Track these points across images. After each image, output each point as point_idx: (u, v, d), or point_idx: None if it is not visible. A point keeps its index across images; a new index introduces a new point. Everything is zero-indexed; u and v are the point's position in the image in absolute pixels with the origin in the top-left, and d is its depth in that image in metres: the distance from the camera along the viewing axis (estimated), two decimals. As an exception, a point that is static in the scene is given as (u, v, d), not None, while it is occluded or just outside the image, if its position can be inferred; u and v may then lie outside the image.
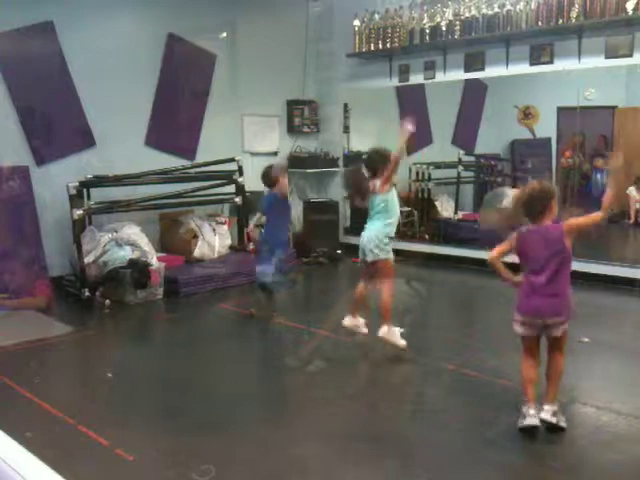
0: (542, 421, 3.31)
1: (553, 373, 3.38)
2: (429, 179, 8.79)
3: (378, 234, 4.52)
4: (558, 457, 3.17)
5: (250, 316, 5.58)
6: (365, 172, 4.67)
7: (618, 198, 8.24)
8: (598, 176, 8.33)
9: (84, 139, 6.68)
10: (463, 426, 3.49)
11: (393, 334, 4.54)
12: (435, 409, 3.74)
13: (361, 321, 4.80)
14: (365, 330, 4.78)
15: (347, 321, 4.81)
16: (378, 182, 4.54)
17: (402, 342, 4.54)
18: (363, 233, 4.63)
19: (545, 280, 3.26)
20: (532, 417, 3.30)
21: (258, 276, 5.52)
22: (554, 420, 3.30)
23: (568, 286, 3.33)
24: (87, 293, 5.90)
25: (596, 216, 3.28)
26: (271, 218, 5.51)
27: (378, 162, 4.57)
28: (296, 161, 8.50)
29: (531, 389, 3.38)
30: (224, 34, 7.91)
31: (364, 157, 4.94)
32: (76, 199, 6.08)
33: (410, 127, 4.55)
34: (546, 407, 3.32)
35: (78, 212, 6.01)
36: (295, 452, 3.23)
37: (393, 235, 4.63)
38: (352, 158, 8.66)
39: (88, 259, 6.03)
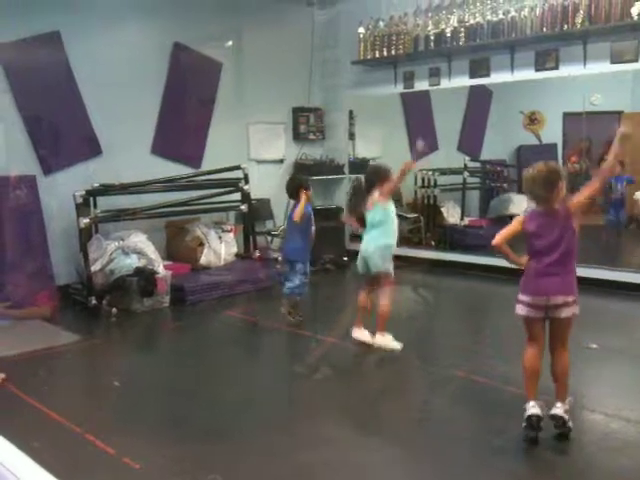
0: (553, 417, 3.27)
1: (560, 371, 3.34)
2: (435, 185, 8.79)
3: (382, 246, 4.58)
4: (567, 464, 3.16)
5: (254, 324, 5.56)
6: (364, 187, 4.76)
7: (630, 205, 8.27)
8: (618, 185, 8.17)
9: (91, 148, 6.70)
10: (471, 434, 3.47)
11: (387, 340, 4.63)
12: (443, 416, 3.72)
13: (366, 332, 4.80)
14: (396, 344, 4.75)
15: (356, 333, 4.81)
16: (376, 193, 4.58)
17: (397, 345, 4.62)
18: (364, 246, 4.66)
19: (554, 260, 3.25)
20: (533, 407, 3.27)
21: (285, 290, 5.53)
22: (566, 416, 3.27)
23: (575, 266, 3.32)
24: (94, 301, 5.91)
25: (594, 184, 3.30)
26: (293, 230, 5.45)
27: (376, 179, 4.67)
28: (302, 168, 8.52)
29: (533, 384, 3.34)
30: (230, 42, 7.93)
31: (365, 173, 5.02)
32: (83, 208, 6.11)
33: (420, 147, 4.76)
34: (558, 404, 3.30)
35: (85, 220, 6.03)
36: (301, 459, 3.21)
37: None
38: (357, 165, 8.69)
39: (95, 267, 6.04)
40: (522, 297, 3.35)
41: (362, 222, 4.77)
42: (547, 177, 3.26)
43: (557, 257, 3.25)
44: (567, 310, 3.27)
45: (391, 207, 4.68)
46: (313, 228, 5.46)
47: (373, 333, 4.77)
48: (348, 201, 5.14)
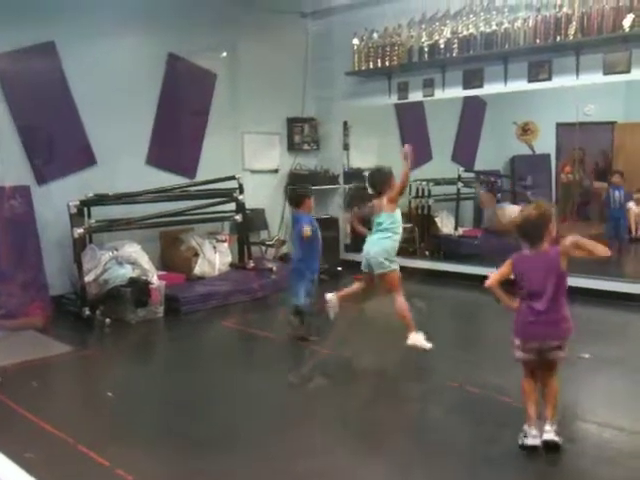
0: (545, 443, 3.28)
1: (549, 394, 3.36)
2: (429, 195, 8.81)
3: (386, 247, 4.62)
4: (560, 475, 3.16)
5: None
6: (369, 190, 4.72)
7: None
8: (616, 193, 8.20)
9: (85, 158, 6.71)
10: (465, 444, 3.47)
11: (418, 339, 4.66)
12: (437, 426, 3.72)
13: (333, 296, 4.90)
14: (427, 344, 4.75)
15: (330, 296, 4.94)
16: (384, 200, 4.58)
17: (428, 345, 4.67)
18: (367, 247, 4.68)
19: (545, 305, 3.24)
20: (534, 437, 3.29)
21: (292, 300, 5.39)
22: (557, 439, 3.28)
23: (566, 307, 3.31)
24: (87, 312, 5.89)
25: (602, 251, 3.17)
26: (301, 240, 5.34)
27: (382, 181, 4.66)
28: (297, 178, 8.53)
29: (533, 409, 3.36)
30: (224, 53, 7.96)
31: (366, 175, 4.97)
32: (77, 218, 6.10)
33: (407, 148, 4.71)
34: (547, 427, 3.30)
35: (79, 231, 6.03)
36: (298, 469, 3.21)
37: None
38: (351, 175, 8.71)
39: (88, 278, 6.03)
40: (516, 341, 3.37)
41: (364, 225, 4.79)
42: (537, 220, 3.26)
43: (547, 300, 3.25)
44: (560, 352, 3.30)
45: (398, 214, 4.69)
46: (320, 237, 5.41)
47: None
48: (348, 204, 5.14)
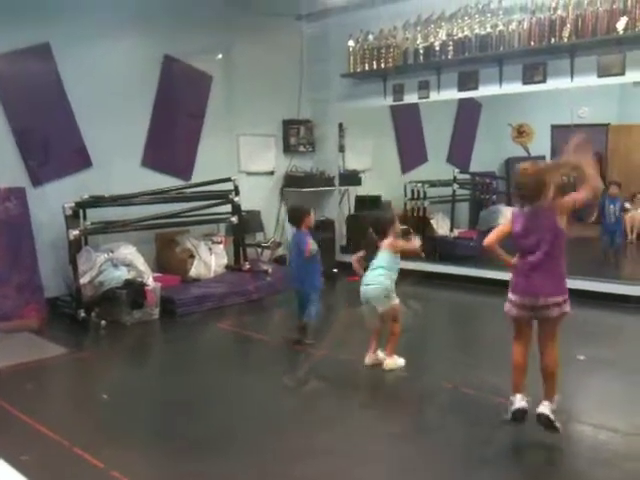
0: (539, 417, 3.27)
1: (549, 368, 3.33)
2: (424, 197, 8.83)
3: (386, 286, 4.59)
4: (556, 476, 3.16)
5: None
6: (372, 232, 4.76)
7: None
8: (611, 206, 7.97)
9: (80, 160, 6.70)
10: (461, 445, 3.48)
11: (397, 360, 4.68)
12: (433, 427, 3.73)
13: (381, 355, 4.78)
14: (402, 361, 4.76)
15: (368, 359, 4.77)
16: (388, 241, 4.64)
17: (401, 360, 4.67)
18: (366, 287, 4.63)
19: (540, 260, 3.25)
20: (519, 401, 3.30)
21: (304, 319, 5.33)
22: (552, 416, 3.26)
23: (564, 265, 3.31)
24: (83, 314, 5.88)
25: (585, 188, 3.26)
26: (300, 258, 5.30)
27: (385, 225, 4.72)
28: (292, 180, 8.54)
29: (519, 377, 3.37)
30: (220, 55, 7.97)
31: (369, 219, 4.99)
32: (72, 219, 6.08)
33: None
34: (545, 402, 3.29)
35: (74, 232, 6.01)
36: (294, 472, 3.21)
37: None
38: (347, 177, 8.72)
39: (84, 279, 6.02)
40: (511, 296, 3.37)
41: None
42: (534, 176, 3.28)
43: (542, 256, 3.25)
44: (557, 309, 3.27)
45: (398, 257, 4.72)
46: (319, 255, 5.40)
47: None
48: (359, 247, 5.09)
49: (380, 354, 4.75)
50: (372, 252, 4.69)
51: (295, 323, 5.40)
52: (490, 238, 3.43)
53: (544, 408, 3.29)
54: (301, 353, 5.09)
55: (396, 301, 4.66)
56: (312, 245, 5.23)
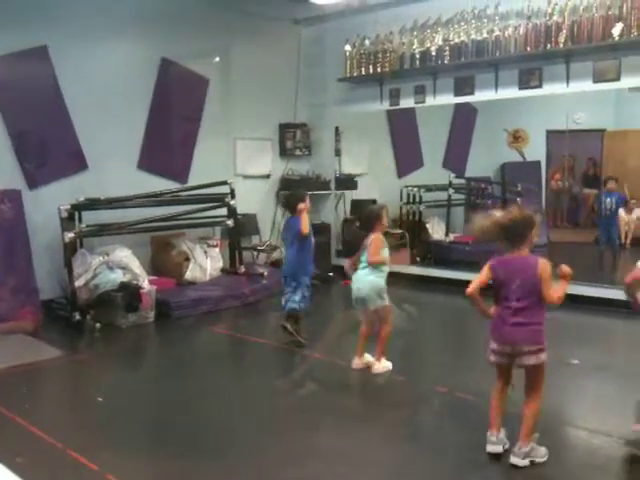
0: (512, 466, 3.23)
1: (527, 414, 3.28)
2: (420, 202, 8.85)
3: (378, 284, 4.59)
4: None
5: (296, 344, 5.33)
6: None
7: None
8: (607, 200, 8.21)
9: (77, 162, 6.70)
10: (454, 449, 3.48)
11: (384, 363, 4.66)
12: (426, 432, 3.73)
13: (369, 359, 4.77)
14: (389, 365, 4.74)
15: (356, 363, 4.77)
16: (372, 237, 4.61)
17: (388, 363, 4.66)
18: (358, 284, 4.64)
19: (519, 308, 3.22)
20: (493, 444, 3.30)
21: (287, 305, 5.30)
22: (521, 463, 3.21)
23: (543, 315, 3.27)
24: (78, 316, 5.87)
25: (557, 296, 3.20)
26: (295, 243, 5.29)
27: (371, 219, 4.70)
28: (288, 184, 8.56)
29: (496, 417, 3.35)
30: (217, 58, 7.98)
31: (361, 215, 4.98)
32: (67, 222, 6.08)
33: None
34: (516, 449, 3.24)
35: (69, 235, 6.01)
36: (288, 476, 3.21)
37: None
38: (343, 181, 8.74)
39: (79, 282, 6.01)
40: (491, 344, 3.34)
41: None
42: (522, 222, 3.26)
43: (523, 305, 3.23)
44: (532, 358, 3.23)
45: (385, 252, 4.68)
46: (313, 240, 5.39)
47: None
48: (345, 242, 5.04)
49: (368, 357, 4.75)
50: (358, 246, 4.68)
51: (284, 315, 5.36)
52: (472, 287, 3.36)
53: (516, 459, 3.23)
54: (296, 356, 5.09)
55: (387, 302, 4.64)
56: (305, 227, 5.15)
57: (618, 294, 6.21)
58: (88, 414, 4.12)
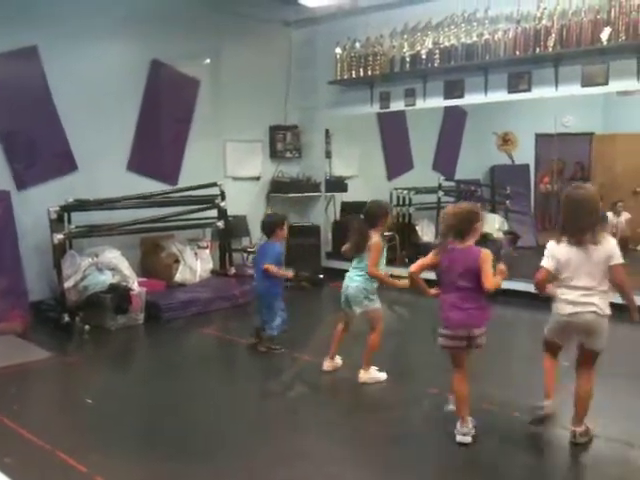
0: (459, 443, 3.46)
1: (460, 391, 3.56)
2: (410, 204, 8.88)
3: (367, 286, 4.48)
4: (539, 480, 3.19)
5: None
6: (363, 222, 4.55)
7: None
8: None
9: (66, 163, 6.67)
10: (444, 449, 3.50)
11: (373, 373, 4.56)
12: (417, 433, 3.74)
13: (339, 361, 4.81)
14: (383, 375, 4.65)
15: (326, 365, 4.76)
16: (374, 238, 4.46)
17: (383, 375, 4.57)
18: (347, 283, 4.56)
19: (464, 296, 3.43)
20: (464, 435, 3.47)
21: (267, 331, 5.28)
22: (466, 440, 3.45)
23: (484, 299, 3.46)
24: (67, 318, 5.84)
25: (491, 283, 3.37)
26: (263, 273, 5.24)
27: (377, 215, 4.54)
28: (278, 186, 8.56)
29: (463, 406, 3.53)
30: (207, 60, 7.98)
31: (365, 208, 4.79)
32: (57, 223, 6.06)
33: None
34: (458, 425, 3.50)
35: (58, 236, 5.98)
36: (280, 476, 3.21)
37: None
38: (333, 183, 8.75)
39: (68, 284, 5.98)
40: (442, 330, 3.54)
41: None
42: (466, 215, 3.47)
43: (467, 293, 3.43)
44: (483, 338, 3.49)
45: (384, 261, 4.59)
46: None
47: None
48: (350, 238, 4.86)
49: (338, 360, 4.75)
50: (359, 241, 4.50)
51: (254, 326, 5.41)
52: (415, 266, 3.65)
53: (457, 437, 3.48)
54: (286, 358, 5.09)
55: (377, 305, 4.54)
56: (272, 269, 5.13)
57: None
58: (77, 416, 4.10)
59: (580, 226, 3.32)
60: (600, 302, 3.34)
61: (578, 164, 9.64)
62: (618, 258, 3.33)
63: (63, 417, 4.17)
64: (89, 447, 3.52)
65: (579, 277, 3.35)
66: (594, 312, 3.34)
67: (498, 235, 8.86)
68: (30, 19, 6.20)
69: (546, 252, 3.44)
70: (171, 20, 7.30)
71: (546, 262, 3.42)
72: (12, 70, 6.26)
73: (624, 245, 8.72)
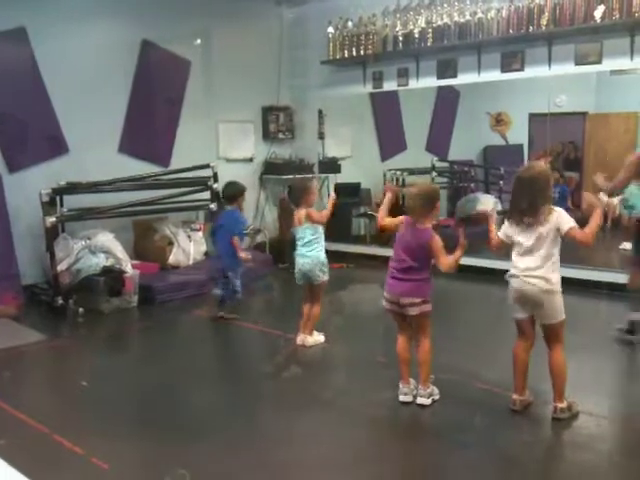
0: (419, 406, 3.69)
1: (419, 354, 3.76)
2: (403, 185, 8.85)
3: (321, 259, 4.80)
4: (531, 459, 3.22)
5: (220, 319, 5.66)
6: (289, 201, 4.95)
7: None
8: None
9: (57, 146, 6.63)
10: (438, 429, 3.53)
11: (312, 338, 4.89)
12: (411, 412, 3.76)
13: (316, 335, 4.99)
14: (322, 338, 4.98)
15: (300, 339, 4.92)
16: (303, 212, 4.78)
17: (321, 337, 4.92)
18: (301, 260, 4.82)
19: (404, 268, 3.66)
20: (405, 395, 3.76)
21: (236, 297, 5.70)
22: (427, 402, 3.70)
23: (426, 274, 3.69)
24: (60, 301, 5.85)
25: (447, 262, 3.64)
26: (225, 236, 5.56)
27: (299, 193, 4.87)
28: (272, 167, 8.52)
29: (404, 368, 3.82)
30: (198, 40, 7.91)
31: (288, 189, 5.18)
32: (49, 206, 6.02)
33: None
34: (420, 391, 3.73)
35: (51, 219, 5.96)
36: (273, 458, 3.23)
37: None
38: (326, 164, 8.72)
39: (61, 267, 5.97)
40: (384, 293, 3.78)
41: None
42: (422, 195, 3.67)
43: (407, 266, 3.65)
44: (414, 309, 3.66)
45: (320, 229, 4.86)
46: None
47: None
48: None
49: (317, 334, 4.98)
50: (287, 218, 4.88)
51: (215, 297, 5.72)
52: (380, 215, 4.02)
53: (421, 399, 3.74)
54: (279, 339, 5.11)
55: (326, 277, 4.84)
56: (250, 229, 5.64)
57: (599, 275, 6.34)
58: (72, 398, 4.11)
59: (523, 208, 3.45)
60: (547, 276, 3.45)
61: (571, 144, 9.63)
62: (568, 223, 3.41)
63: (58, 399, 4.18)
64: (85, 429, 3.53)
65: (526, 255, 3.49)
66: (539, 286, 3.44)
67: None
68: (18, 0, 6.11)
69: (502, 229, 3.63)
70: (161, 0, 7.22)
71: (500, 234, 3.64)
72: (1, 52, 6.19)
73: (616, 225, 8.79)
